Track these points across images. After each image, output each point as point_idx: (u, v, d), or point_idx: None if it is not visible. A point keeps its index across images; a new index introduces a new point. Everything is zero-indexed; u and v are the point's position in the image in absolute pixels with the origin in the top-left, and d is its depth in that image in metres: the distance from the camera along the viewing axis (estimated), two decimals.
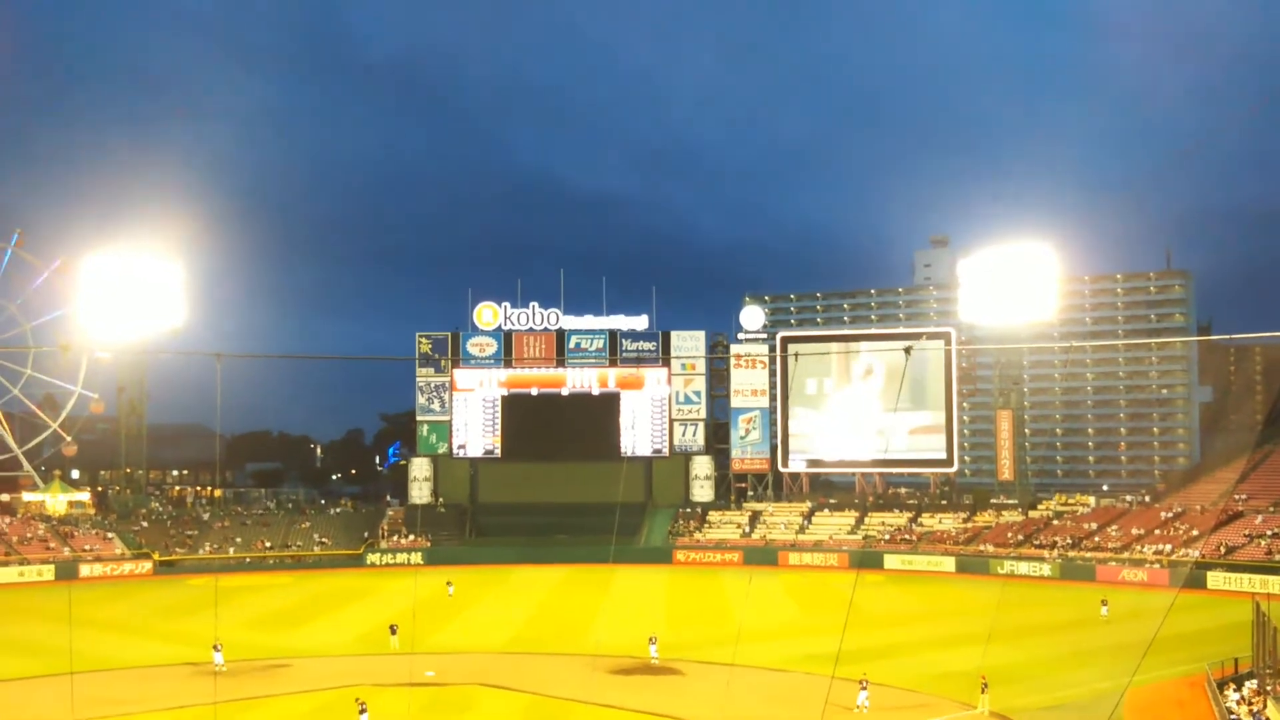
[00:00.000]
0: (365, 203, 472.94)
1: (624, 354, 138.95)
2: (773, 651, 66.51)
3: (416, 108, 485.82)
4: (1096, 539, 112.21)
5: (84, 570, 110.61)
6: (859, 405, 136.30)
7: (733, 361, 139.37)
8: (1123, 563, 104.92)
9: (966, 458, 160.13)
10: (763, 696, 54.92)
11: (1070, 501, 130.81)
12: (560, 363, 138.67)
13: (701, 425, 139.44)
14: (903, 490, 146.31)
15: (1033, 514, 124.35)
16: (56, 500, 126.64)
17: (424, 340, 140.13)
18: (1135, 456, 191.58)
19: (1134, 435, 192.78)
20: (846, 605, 73.85)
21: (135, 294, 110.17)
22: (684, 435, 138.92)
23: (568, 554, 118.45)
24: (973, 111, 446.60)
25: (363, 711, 46.94)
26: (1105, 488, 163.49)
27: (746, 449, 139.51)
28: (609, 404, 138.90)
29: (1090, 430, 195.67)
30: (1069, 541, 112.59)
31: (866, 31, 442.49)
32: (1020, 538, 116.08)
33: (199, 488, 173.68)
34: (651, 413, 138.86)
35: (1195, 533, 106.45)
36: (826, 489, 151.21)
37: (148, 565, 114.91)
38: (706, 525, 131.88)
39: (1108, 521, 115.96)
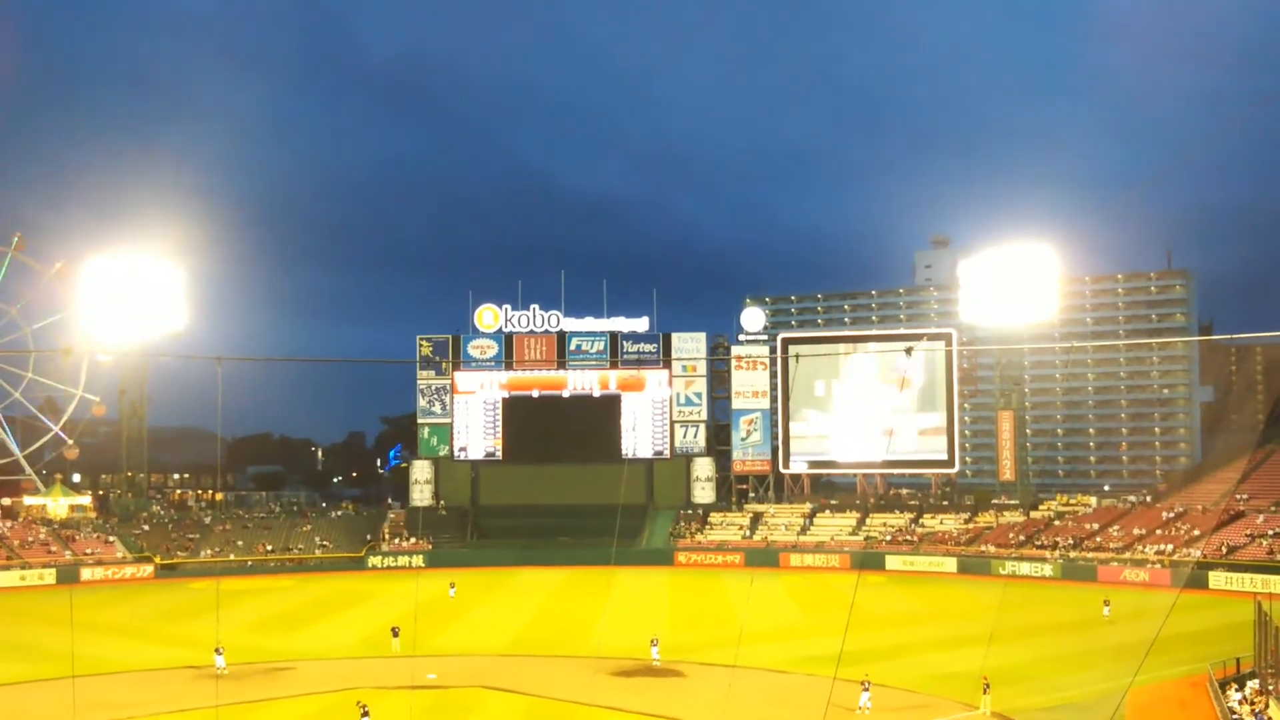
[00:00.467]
0: (366, 205, 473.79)
1: (625, 356, 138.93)
2: (774, 653, 66.46)
3: (417, 110, 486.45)
4: (1098, 539, 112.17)
5: (85, 574, 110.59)
6: (859, 406, 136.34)
7: (734, 363, 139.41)
8: (1124, 563, 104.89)
9: (968, 458, 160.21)
10: (765, 698, 54.88)
11: (1072, 502, 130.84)
12: (561, 365, 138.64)
13: (702, 427, 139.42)
14: (904, 491, 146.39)
15: (1034, 514, 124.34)
16: (58, 504, 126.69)
17: (425, 343, 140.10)
18: (1136, 457, 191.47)
19: (1135, 435, 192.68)
20: (848, 606, 74.01)
21: (136, 297, 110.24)
22: (685, 437, 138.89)
23: (569, 556, 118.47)
24: (973, 112, 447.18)
25: (365, 715, 46.90)
26: (1107, 488, 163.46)
27: (748, 450, 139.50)
28: (610, 406, 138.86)
29: (1091, 430, 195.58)
30: (1070, 542, 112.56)
31: (867, 33, 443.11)
32: (1022, 538, 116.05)
33: (200, 491, 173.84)
34: (652, 414, 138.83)
35: (1197, 533, 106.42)
36: (828, 490, 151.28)
37: (149, 569, 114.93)
38: (708, 527, 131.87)
39: (1109, 522, 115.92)
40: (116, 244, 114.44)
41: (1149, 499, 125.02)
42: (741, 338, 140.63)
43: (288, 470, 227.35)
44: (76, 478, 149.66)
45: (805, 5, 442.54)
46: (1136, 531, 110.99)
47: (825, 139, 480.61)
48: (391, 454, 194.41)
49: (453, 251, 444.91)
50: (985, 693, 51.03)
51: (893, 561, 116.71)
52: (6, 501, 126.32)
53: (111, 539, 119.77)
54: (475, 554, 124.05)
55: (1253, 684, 47.93)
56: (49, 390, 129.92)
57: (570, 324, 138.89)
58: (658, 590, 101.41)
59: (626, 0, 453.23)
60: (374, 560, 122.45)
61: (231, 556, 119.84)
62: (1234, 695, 47.24)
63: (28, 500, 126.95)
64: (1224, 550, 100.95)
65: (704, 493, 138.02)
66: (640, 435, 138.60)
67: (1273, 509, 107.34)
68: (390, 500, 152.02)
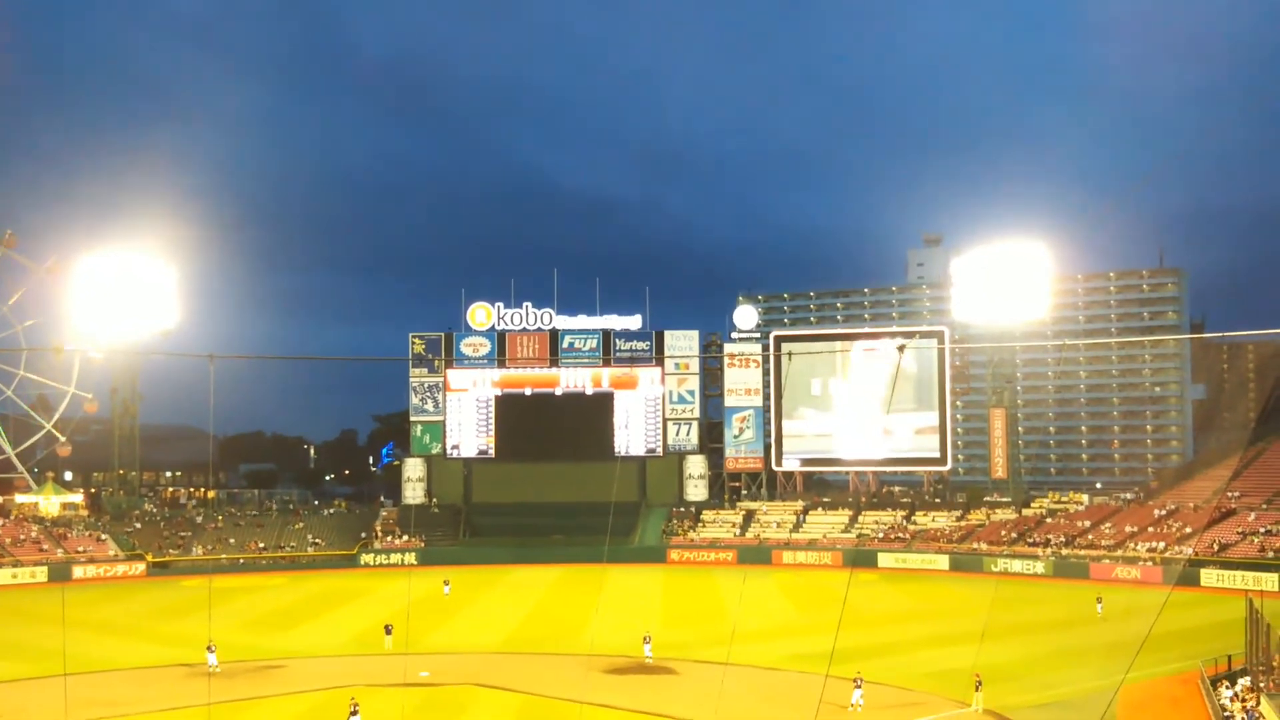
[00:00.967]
0: (359, 203, 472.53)
1: (618, 354, 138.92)
2: (767, 650, 66.58)
3: (411, 109, 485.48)
4: (1090, 537, 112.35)
5: (77, 572, 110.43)
6: (852, 404, 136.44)
7: (726, 361, 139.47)
8: (1116, 560, 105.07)
9: (960, 456, 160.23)
10: (757, 695, 54.95)
11: (1064, 499, 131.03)
12: (554, 363, 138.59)
13: (695, 424, 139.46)
14: (896, 489, 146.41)
15: (1026, 512, 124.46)
16: (49, 502, 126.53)
17: (417, 340, 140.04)
18: (1128, 454, 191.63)
19: (1127, 433, 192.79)
20: (840, 604, 74.24)
21: (128, 295, 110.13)
22: (678, 435, 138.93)
23: (562, 554, 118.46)
24: (965, 110, 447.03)
25: (354, 713, 46.87)
26: (1098, 485, 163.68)
27: (740, 448, 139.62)
28: (603, 404, 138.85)
29: (1083, 428, 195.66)
30: (1062, 539, 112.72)
31: (860, 31, 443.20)
32: (1014, 536, 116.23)
33: (192, 489, 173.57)
34: (645, 412, 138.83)
35: (1188, 530, 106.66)
36: (820, 488, 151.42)
37: (141, 566, 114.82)
38: (700, 524, 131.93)
39: (1101, 519, 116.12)
40: (108, 242, 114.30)
41: (1141, 496, 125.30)
42: (734, 335, 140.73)
43: (280, 468, 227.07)
44: (68, 476, 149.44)
45: (798, 4, 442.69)
46: (1128, 529, 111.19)
47: (818, 137, 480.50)
48: (384, 452, 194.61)
49: (446, 249, 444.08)
50: (977, 690, 51.13)
51: (885, 559, 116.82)
52: None
53: (103, 537, 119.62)
54: (468, 552, 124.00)
55: (1244, 681, 48.06)
56: (41, 388, 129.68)
57: (563, 322, 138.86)
58: (650, 588, 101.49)
59: None
60: (366, 558, 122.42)
61: (224, 556, 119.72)
62: (1225, 692, 47.39)
63: (19, 498, 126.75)
64: (1216, 548, 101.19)
65: (697, 490, 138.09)
66: (633, 433, 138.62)
67: (1264, 506, 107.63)
68: (383, 498, 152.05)
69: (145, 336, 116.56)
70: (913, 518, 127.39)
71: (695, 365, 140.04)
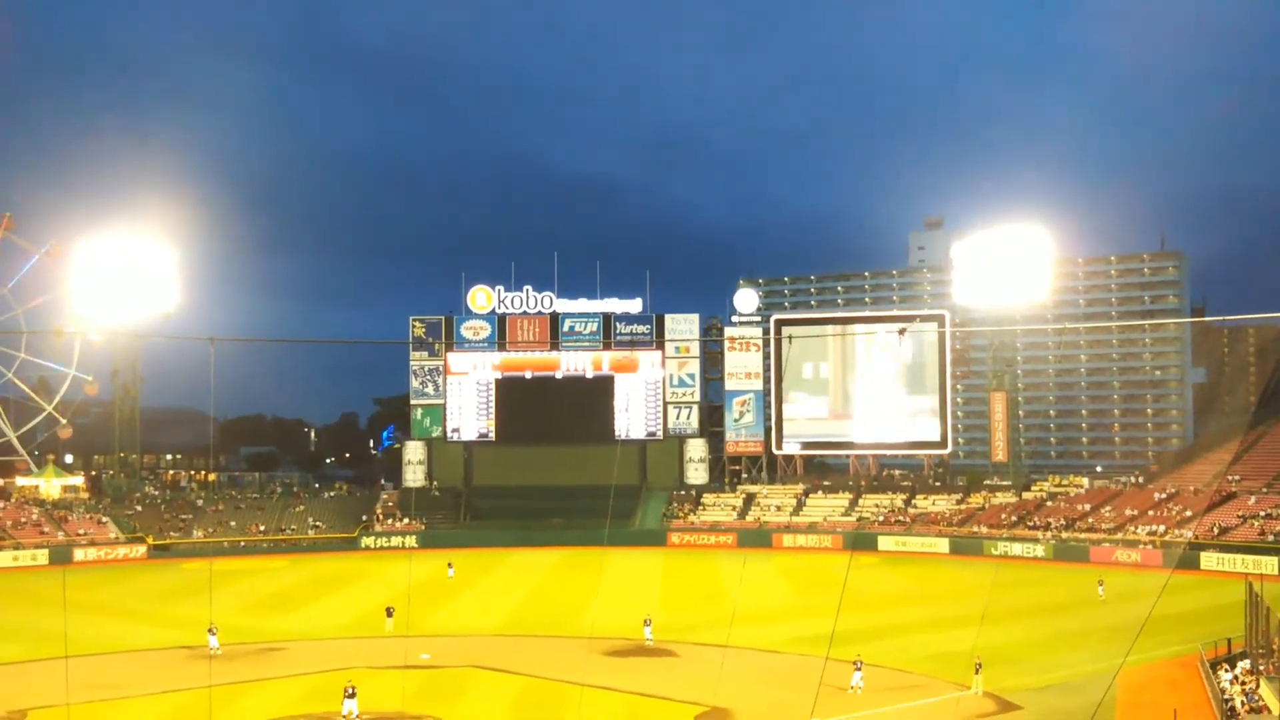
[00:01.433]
0: (359, 187, 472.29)
1: (618, 337, 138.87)
2: (767, 633, 66.67)
3: (410, 93, 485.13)
4: (1090, 520, 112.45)
5: (78, 554, 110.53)
6: (853, 388, 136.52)
7: (727, 344, 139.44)
8: (1116, 544, 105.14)
9: (960, 439, 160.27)
10: (757, 678, 54.99)
11: (1064, 483, 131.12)
12: (554, 346, 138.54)
13: (695, 408, 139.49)
14: (896, 472, 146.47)
15: (1026, 495, 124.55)
16: (50, 484, 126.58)
17: (417, 324, 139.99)
18: (1129, 438, 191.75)
19: (1127, 417, 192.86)
20: (841, 587, 74.26)
21: (128, 278, 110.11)
22: (678, 418, 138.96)
23: (562, 537, 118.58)
24: (966, 94, 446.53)
25: (351, 695, 46.92)
26: (1099, 469, 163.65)
27: (740, 431, 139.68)
28: (603, 387, 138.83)
29: (1084, 412, 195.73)
30: (1062, 523, 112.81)
31: (861, 15, 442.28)
32: (1014, 519, 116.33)
33: (193, 471, 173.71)
34: (645, 395, 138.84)
35: (1189, 513, 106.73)
36: (820, 471, 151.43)
37: (142, 549, 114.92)
38: (701, 508, 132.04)
39: (1101, 502, 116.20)
40: (108, 225, 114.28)
41: (1141, 480, 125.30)
42: (735, 319, 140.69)
43: (281, 451, 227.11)
44: (69, 459, 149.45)
45: None
46: (1128, 512, 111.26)
47: (819, 121, 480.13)
48: (385, 435, 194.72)
49: (446, 233, 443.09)
50: (977, 673, 51.18)
51: (885, 542, 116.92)
52: None
53: (104, 520, 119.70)
54: (468, 535, 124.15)
55: (1243, 664, 48.11)
56: (41, 370, 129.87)
57: (563, 305, 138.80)
58: (651, 571, 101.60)
59: None
60: (367, 541, 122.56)
61: (225, 539, 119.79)
62: (1225, 675, 47.43)
63: (20, 481, 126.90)
64: (1216, 531, 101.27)
65: (697, 474, 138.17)
66: (633, 416, 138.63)
67: (1264, 490, 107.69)
68: (383, 481, 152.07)
69: (146, 319, 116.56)
70: (913, 501, 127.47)
71: (696, 349, 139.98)
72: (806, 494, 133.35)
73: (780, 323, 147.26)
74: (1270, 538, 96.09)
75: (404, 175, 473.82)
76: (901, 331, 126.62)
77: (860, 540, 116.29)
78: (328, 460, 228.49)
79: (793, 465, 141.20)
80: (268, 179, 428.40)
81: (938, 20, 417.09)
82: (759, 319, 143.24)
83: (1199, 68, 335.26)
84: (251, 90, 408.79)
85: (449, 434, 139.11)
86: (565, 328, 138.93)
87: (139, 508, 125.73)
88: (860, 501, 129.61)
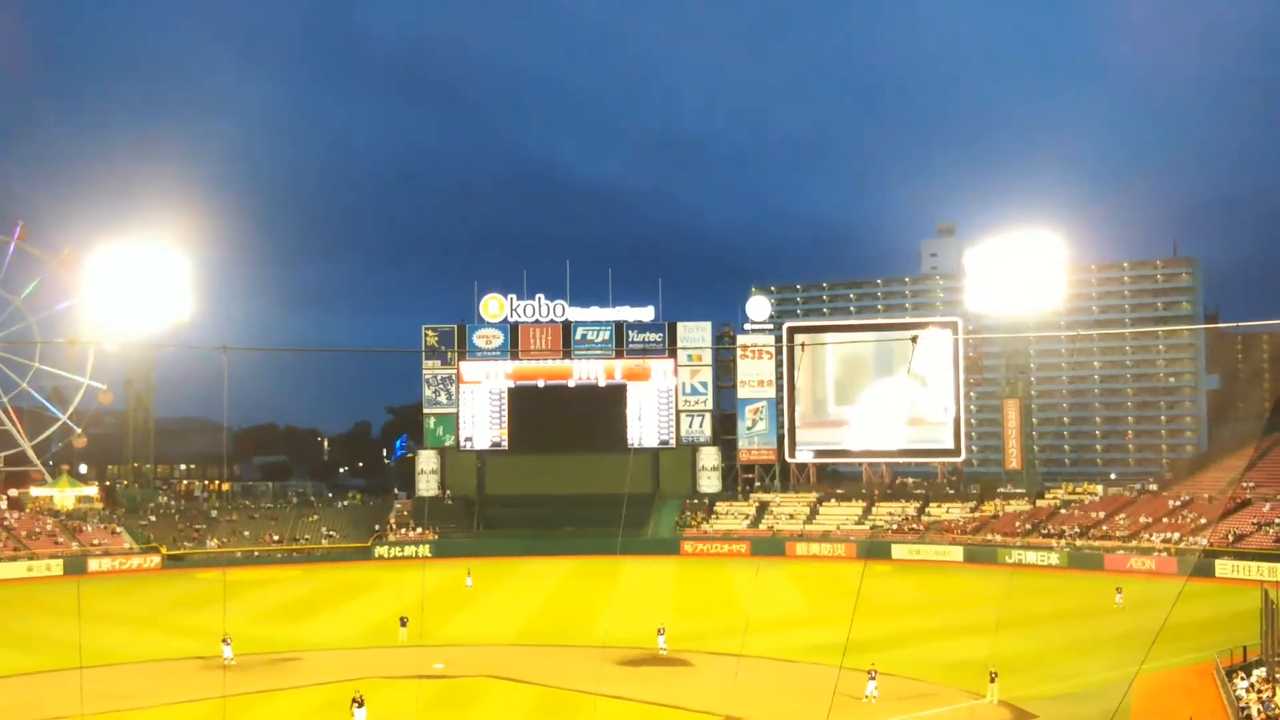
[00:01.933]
0: (371, 195, 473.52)
1: (630, 345, 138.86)
2: (781, 642, 66.56)
3: (422, 100, 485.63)
4: (1104, 527, 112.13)
5: (92, 565, 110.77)
6: (865, 396, 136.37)
7: (739, 352, 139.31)
8: (1131, 551, 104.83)
9: (974, 447, 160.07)
10: (771, 687, 54.93)
11: (1078, 490, 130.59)
12: (566, 354, 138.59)
13: (708, 416, 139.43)
14: (910, 480, 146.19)
15: (1040, 503, 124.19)
16: (64, 495, 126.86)
17: (430, 333, 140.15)
18: (1143, 445, 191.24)
19: (1141, 424, 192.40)
20: (854, 595, 74.05)
21: (142, 286, 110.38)
22: (690, 426, 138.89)
23: (575, 546, 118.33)
24: (979, 100, 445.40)
25: (360, 706, 46.91)
26: (1113, 476, 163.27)
27: (753, 439, 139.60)
28: (615, 395, 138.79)
29: (1097, 419, 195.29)
30: (1077, 530, 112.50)
31: (873, 20, 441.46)
32: (1028, 527, 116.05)
33: (206, 481, 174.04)
34: (658, 404, 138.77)
35: (1203, 521, 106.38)
36: (833, 479, 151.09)
37: (156, 559, 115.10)
38: (714, 516, 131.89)
39: (1115, 510, 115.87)
40: (121, 234, 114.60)
41: (1155, 487, 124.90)
42: (747, 327, 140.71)
43: (294, 460, 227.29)
44: (83, 469, 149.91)
45: None
46: (1143, 520, 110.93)
47: (831, 127, 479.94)
48: (397, 444, 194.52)
49: (458, 241, 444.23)
50: (992, 682, 51.02)
51: (899, 550, 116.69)
52: (13, 493, 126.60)
53: (118, 530, 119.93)
54: (481, 544, 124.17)
55: (1259, 672, 47.92)
56: (55, 380, 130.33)
57: (575, 313, 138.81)
58: (664, 579, 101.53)
59: None
60: (380, 550, 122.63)
61: (238, 549, 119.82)
62: (1240, 683, 47.23)
63: (35, 491, 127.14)
64: (1231, 538, 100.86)
65: (710, 482, 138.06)
66: (646, 425, 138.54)
67: (1279, 497, 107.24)
68: (396, 490, 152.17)
69: (159, 328, 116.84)
70: (926, 509, 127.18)
71: (708, 357, 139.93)
72: (820, 502, 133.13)
73: (793, 330, 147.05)
74: None
75: (416, 182, 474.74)
76: (914, 339, 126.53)
77: (874, 548, 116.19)
78: (341, 469, 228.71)
79: (806, 473, 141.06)
80: (280, 186, 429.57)
81: (950, 24, 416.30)
82: (771, 327, 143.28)
83: (1213, 71, 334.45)
84: (265, 96, 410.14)
85: (462, 443, 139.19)
86: (577, 336, 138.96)
87: (153, 518, 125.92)
88: (874, 510, 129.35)
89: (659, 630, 65.70)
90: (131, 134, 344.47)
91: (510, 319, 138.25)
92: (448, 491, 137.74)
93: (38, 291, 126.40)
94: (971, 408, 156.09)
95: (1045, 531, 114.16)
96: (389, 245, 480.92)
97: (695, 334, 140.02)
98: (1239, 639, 53.83)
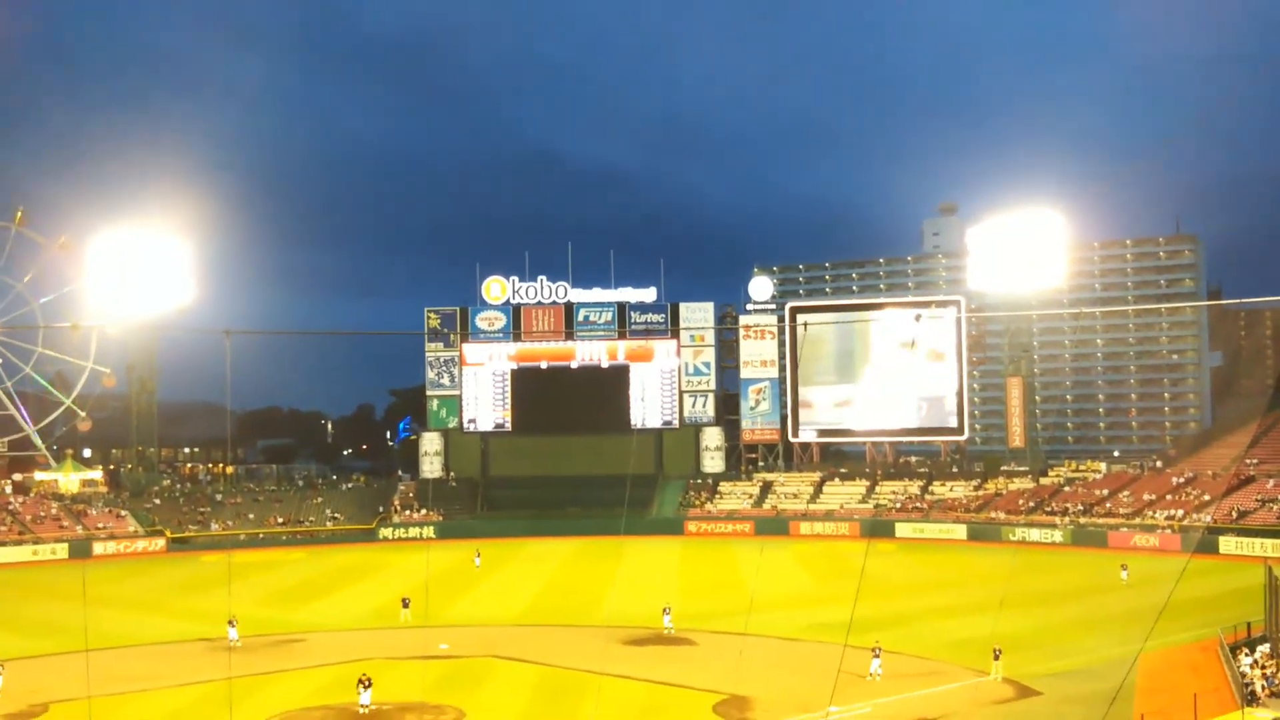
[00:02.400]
0: (373, 179, 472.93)
1: (633, 326, 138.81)
2: (785, 621, 66.68)
3: (422, 84, 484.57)
4: (1108, 505, 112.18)
5: (97, 548, 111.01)
6: (868, 375, 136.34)
7: (742, 332, 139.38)
8: (1134, 528, 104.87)
9: (977, 425, 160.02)
10: (776, 666, 54.99)
11: (1081, 468, 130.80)
12: (569, 336, 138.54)
13: (711, 396, 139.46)
14: (913, 459, 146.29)
15: (1044, 481, 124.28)
16: (69, 479, 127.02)
17: (433, 315, 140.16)
18: (1146, 422, 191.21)
19: (1145, 401, 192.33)
20: (858, 574, 74.20)
21: (143, 271, 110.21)
22: (694, 407, 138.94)
23: (579, 526, 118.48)
24: (981, 79, 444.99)
25: (366, 687, 47.01)
26: (1116, 454, 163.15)
27: (756, 420, 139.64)
28: (618, 376, 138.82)
29: (1101, 396, 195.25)
30: (1080, 508, 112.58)
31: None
32: (1031, 504, 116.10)
33: (211, 464, 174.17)
34: (661, 385, 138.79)
35: (1207, 498, 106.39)
36: (836, 459, 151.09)
37: (161, 542, 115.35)
38: (717, 496, 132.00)
39: (1119, 487, 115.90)
40: (122, 219, 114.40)
41: (1159, 464, 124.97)
42: (749, 307, 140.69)
43: (298, 443, 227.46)
44: (87, 453, 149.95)
45: None
46: (1146, 497, 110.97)
47: (832, 107, 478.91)
48: (401, 426, 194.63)
49: (460, 223, 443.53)
50: (996, 659, 51.07)
51: (902, 529, 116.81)
52: (18, 477, 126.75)
53: (123, 513, 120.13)
54: (486, 525, 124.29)
55: (1263, 648, 47.97)
56: (58, 364, 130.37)
57: (578, 295, 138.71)
58: (668, 559, 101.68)
59: None
60: (385, 532, 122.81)
61: (242, 532, 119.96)
62: (1245, 660, 47.27)
63: (39, 475, 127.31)
64: (1234, 515, 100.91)
65: (713, 462, 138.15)
66: (649, 405, 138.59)
67: None
68: (400, 472, 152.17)
69: (161, 312, 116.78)
70: (930, 487, 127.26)
71: (711, 337, 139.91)
72: (823, 481, 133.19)
73: (795, 310, 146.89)
74: None
75: (417, 165, 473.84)
76: (917, 318, 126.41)
77: (878, 527, 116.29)
78: (345, 452, 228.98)
79: (809, 453, 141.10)
80: (280, 170, 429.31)
81: (951, 2, 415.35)
82: (774, 307, 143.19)
83: (1215, 49, 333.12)
84: (263, 81, 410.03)
85: (465, 425, 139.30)
86: (580, 317, 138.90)
87: (157, 501, 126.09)
88: (877, 488, 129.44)
89: (665, 610, 65.81)
90: (131, 120, 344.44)
91: (512, 301, 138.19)
92: (452, 473, 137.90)
93: (39, 276, 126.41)
94: (974, 386, 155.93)
95: (1049, 509, 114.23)
96: (391, 228, 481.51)
97: (698, 314, 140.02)
98: (1243, 615, 53.81)
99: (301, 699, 50.12)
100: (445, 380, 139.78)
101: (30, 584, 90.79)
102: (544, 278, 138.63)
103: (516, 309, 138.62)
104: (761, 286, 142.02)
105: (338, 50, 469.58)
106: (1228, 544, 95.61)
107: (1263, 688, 43.18)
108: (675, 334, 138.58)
